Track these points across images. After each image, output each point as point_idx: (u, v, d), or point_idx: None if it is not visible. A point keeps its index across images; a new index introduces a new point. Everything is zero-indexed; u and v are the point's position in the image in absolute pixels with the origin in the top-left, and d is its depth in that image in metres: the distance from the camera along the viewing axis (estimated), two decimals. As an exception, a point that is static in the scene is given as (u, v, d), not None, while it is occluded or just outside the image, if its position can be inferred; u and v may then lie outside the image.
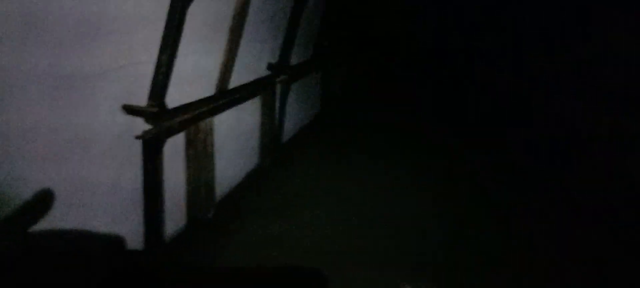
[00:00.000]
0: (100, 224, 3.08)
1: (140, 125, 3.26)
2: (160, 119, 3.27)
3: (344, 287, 3.57)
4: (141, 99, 3.26)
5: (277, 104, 5.63)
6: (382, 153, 6.85)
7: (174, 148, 3.75)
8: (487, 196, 5.43)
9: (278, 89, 5.61)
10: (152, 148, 3.33)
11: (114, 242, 3.26)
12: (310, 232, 4.40)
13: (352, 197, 5.17)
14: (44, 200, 2.60)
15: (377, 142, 7.44)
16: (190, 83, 3.81)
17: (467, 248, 4.26)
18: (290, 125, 6.53)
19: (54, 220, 2.65)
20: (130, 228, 3.36)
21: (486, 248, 4.26)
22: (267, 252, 4.03)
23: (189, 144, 3.88)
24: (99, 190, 3.03)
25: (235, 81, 4.51)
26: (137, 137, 3.22)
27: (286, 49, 5.48)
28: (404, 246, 4.22)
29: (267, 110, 5.34)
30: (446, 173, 6.08)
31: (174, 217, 3.87)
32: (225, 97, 4.21)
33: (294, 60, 6.26)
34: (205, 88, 4.06)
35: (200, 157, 4.01)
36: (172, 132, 3.54)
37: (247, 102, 4.96)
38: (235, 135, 4.90)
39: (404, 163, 6.40)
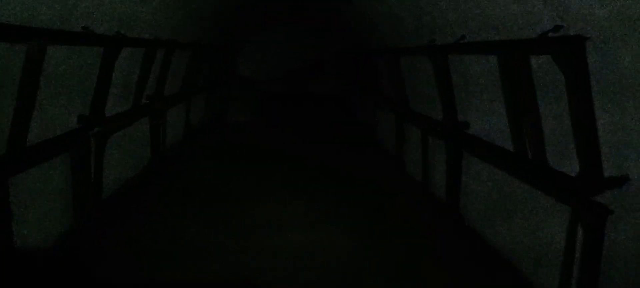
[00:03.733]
0: None
1: None
2: None
3: None
4: None
5: (93, 158, 5.32)
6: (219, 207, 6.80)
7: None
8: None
9: (93, 142, 5.32)
10: None
11: None
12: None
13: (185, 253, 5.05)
14: None
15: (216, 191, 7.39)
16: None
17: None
18: (112, 179, 6.20)
19: None
20: None
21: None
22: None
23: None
24: None
25: (35, 137, 4.18)
26: None
27: (99, 101, 5.24)
28: None
29: (80, 166, 5.01)
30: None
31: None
32: (20, 157, 3.87)
33: (117, 109, 6.02)
34: (-5, 148, 3.71)
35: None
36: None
37: (54, 158, 4.62)
38: (40, 197, 4.51)
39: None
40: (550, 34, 3.44)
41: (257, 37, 14.29)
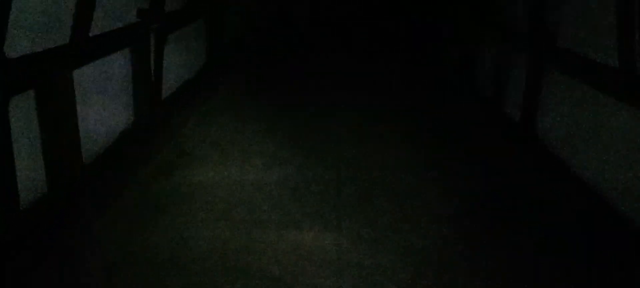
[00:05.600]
0: None
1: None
2: (-5, 72, 2.78)
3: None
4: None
5: (152, 55, 5.16)
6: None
7: (26, 106, 3.26)
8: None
9: (152, 38, 5.13)
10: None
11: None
12: (198, 202, 4.15)
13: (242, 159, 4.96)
14: None
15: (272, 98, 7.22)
16: (39, 30, 3.29)
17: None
18: (171, 78, 6.07)
19: None
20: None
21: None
22: (151, 217, 3.75)
23: (43, 101, 3.38)
24: None
25: (97, 29, 4.00)
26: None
27: (158, -7, 5.00)
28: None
29: (140, 62, 4.87)
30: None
31: (31, 183, 3.40)
32: (84, 47, 3.72)
33: (173, 6, 5.76)
34: (59, 36, 3.55)
35: (58, 116, 3.53)
36: (16, 88, 3.05)
37: (115, 53, 4.48)
38: (103, 90, 4.42)
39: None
40: None
41: None
